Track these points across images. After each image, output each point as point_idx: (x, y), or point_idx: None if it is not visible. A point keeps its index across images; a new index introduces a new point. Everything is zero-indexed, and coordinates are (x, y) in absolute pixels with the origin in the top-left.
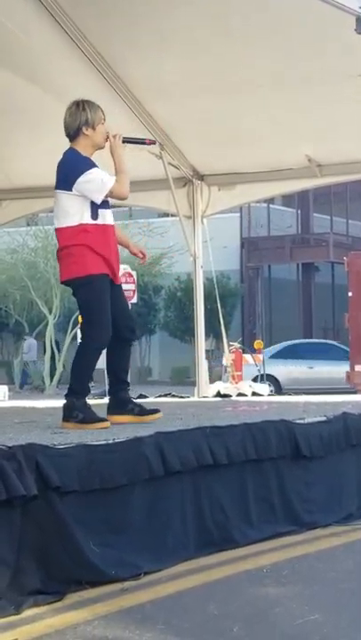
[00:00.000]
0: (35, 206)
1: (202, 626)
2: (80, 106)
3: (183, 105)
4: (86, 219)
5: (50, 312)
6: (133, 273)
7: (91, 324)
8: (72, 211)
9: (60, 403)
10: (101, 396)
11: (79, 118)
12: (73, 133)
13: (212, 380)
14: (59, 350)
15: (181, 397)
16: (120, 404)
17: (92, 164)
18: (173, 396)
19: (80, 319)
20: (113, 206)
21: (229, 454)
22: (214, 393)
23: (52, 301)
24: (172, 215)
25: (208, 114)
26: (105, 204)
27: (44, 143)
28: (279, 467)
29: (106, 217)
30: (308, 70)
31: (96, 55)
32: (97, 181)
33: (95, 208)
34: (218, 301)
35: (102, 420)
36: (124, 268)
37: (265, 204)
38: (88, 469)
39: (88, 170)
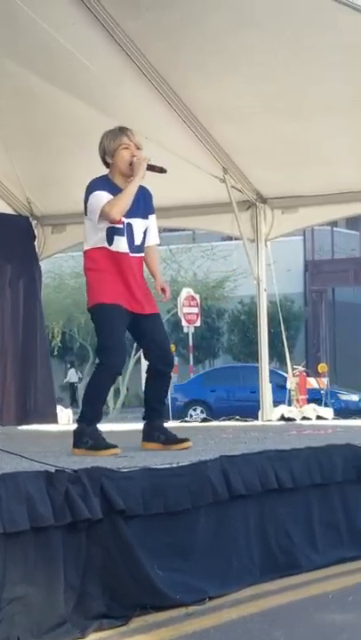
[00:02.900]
0: None
1: None
2: (101, 138)
3: (246, 128)
4: (99, 243)
5: None
6: (197, 296)
7: (102, 350)
8: (89, 235)
9: (124, 426)
10: None
11: (100, 150)
12: (104, 164)
13: (275, 404)
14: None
15: (245, 421)
16: (148, 432)
17: (99, 187)
18: (237, 419)
19: None
20: (176, 230)
21: (294, 478)
22: (278, 417)
23: None
24: (236, 238)
25: (271, 137)
26: (119, 231)
27: None
28: (345, 491)
29: (120, 245)
30: None
31: (159, 79)
32: (94, 202)
33: (111, 234)
34: (282, 325)
35: (112, 446)
36: (187, 292)
37: (328, 227)
38: (152, 493)
39: (93, 192)
